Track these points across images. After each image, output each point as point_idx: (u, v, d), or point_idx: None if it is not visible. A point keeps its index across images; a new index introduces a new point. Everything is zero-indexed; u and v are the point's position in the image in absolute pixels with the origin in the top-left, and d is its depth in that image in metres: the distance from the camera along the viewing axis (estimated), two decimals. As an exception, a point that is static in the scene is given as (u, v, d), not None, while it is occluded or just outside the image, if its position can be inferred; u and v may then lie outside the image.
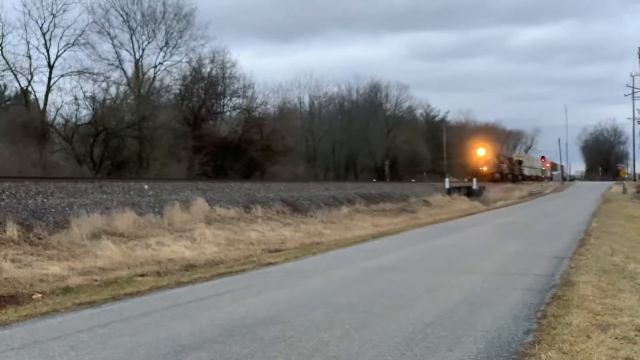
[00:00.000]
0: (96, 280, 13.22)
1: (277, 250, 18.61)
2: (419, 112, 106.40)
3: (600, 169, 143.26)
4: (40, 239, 16.12)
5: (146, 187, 23.42)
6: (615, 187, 75.16)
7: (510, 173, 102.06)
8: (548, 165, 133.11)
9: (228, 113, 63.41)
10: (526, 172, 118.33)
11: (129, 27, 51.34)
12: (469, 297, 10.23)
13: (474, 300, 9.91)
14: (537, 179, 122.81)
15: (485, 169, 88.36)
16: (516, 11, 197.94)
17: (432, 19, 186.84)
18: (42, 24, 45.04)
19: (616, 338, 7.50)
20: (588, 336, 7.53)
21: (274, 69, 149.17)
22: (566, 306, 9.19)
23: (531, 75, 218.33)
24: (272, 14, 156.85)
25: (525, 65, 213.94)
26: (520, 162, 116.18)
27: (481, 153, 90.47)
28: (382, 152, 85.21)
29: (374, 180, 66.82)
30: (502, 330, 7.94)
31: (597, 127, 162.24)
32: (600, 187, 78.65)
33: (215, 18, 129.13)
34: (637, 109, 78.80)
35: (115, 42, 50.98)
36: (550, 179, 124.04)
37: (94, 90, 46.17)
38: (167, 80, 54.54)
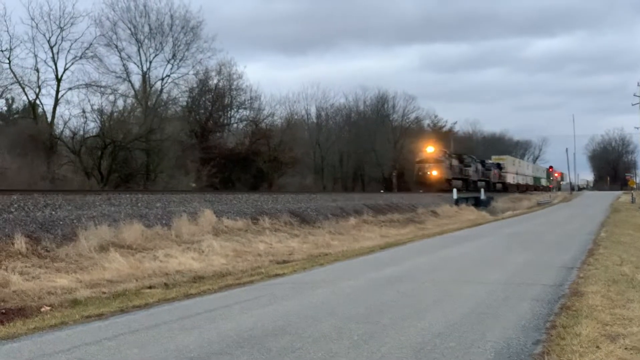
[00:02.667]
0: (104, 293, 13.24)
1: (285, 262, 18.60)
2: (426, 122, 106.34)
3: (608, 178, 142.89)
4: (48, 251, 16.15)
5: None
6: (623, 196, 74.98)
7: (481, 179, 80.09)
8: (557, 175, 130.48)
9: (235, 125, 63.59)
10: (510, 179, 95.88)
11: (136, 39, 51.52)
12: (477, 307, 10.20)
13: (483, 311, 9.88)
14: (528, 188, 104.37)
15: (435, 173, 66.68)
16: (529, 23, 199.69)
17: (445, 31, 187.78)
18: (49, 38, 45.15)
19: (626, 348, 7.46)
20: (597, 347, 7.50)
21: (287, 81, 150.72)
22: (575, 316, 9.16)
23: (541, 85, 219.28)
24: (288, 27, 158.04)
25: (535, 75, 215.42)
26: (500, 167, 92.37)
27: (430, 151, 69.11)
28: (389, 163, 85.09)
29: (382, 191, 66.67)
30: (511, 341, 7.92)
31: (604, 137, 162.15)
32: (608, 196, 78.45)
33: (231, 30, 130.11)
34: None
35: (123, 54, 51.14)
36: (559, 189, 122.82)
37: (101, 103, 46.23)
38: (174, 93, 54.65)
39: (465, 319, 9.25)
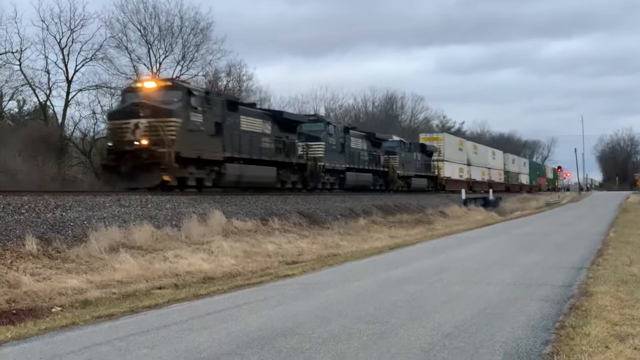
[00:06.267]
0: (115, 293, 13.32)
1: (294, 262, 18.64)
2: (434, 123, 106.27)
3: (617, 178, 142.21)
4: (59, 252, 16.21)
5: None
6: (632, 197, 74.65)
7: (365, 169, 43.47)
8: (567, 174, 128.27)
9: (245, 126, 63.58)
10: (450, 172, 60.89)
11: (146, 41, 51.56)
12: (486, 308, 10.21)
13: (492, 311, 9.89)
14: (493, 187, 68.49)
15: (145, 142, 23.96)
16: (546, 24, 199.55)
17: (461, 33, 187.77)
18: (60, 39, 45.45)
19: (635, 348, 7.47)
20: (607, 347, 7.51)
21: (305, 83, 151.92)
22: (584, 317, 9.16)
23: (554, 87, 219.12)
24: (309, 31, 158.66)
25: (549, 77, 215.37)
26: (425, 150, 55.66)
27: (149, 87, 25.61)
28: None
29: (391, 191, 66.64)
30: (520, 341, 7.93)
31: (613, 137, 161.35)
32: (617, 197, 78.11)
33: (254, 34, 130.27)
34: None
35: (133, 56, 51.21)
36: (567, 189, 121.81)
37: (111, 104, 46.45)
38: (184, 94, 54.77)
39: (474, 320, 9.26)
